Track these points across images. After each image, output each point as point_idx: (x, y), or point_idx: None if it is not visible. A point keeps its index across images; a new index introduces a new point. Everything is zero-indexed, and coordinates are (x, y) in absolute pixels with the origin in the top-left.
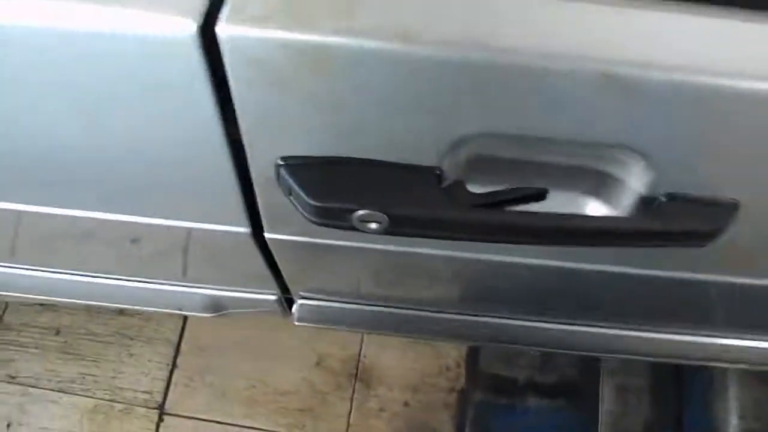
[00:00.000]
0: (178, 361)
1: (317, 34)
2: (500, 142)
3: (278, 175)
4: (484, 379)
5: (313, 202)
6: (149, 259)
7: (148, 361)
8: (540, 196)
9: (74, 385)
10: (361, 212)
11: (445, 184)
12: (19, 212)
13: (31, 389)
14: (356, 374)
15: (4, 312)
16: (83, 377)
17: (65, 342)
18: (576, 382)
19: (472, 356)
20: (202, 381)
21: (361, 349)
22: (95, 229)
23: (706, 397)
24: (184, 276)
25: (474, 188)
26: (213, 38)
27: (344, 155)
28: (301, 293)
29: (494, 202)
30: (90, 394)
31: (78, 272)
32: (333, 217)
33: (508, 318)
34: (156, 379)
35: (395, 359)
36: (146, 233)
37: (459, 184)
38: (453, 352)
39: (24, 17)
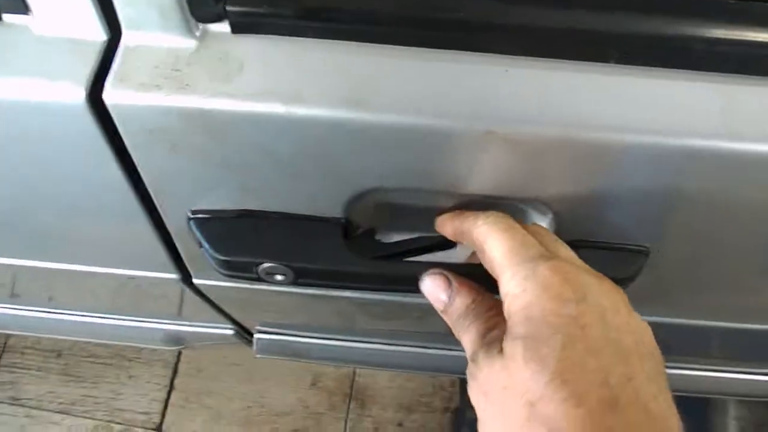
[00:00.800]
0: (176, 382)
1: (201, 98)
2: (403, 194)
3: (189, 227)
4: None
5: (218, 256)
6: (107, 298)
7: (147, 382)
8: (447, 244)
9: (75, 407)
10: (265, 266)
11: (354, 233)
12: None
13: (33, 411)
14: (351, 394)
15: (8, 335)
16: (84, 399)
17: (66, 364)
18: None
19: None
20: (199, 402)
21: (355, 369)
22: (48, 274)
23: (706, 414)
24: (141, 312)
25: (386, 234)
26: (103, 105)
27: (250, 209)
28: (256, 327)
29: (400, 252)
30: (90, 416)
31: (46, 309)
32: (239, 270)
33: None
34: (154, 400)
35: (389, 378)
36: (92, 279)
37: (367, 234)
38: (426, 373)
39: None
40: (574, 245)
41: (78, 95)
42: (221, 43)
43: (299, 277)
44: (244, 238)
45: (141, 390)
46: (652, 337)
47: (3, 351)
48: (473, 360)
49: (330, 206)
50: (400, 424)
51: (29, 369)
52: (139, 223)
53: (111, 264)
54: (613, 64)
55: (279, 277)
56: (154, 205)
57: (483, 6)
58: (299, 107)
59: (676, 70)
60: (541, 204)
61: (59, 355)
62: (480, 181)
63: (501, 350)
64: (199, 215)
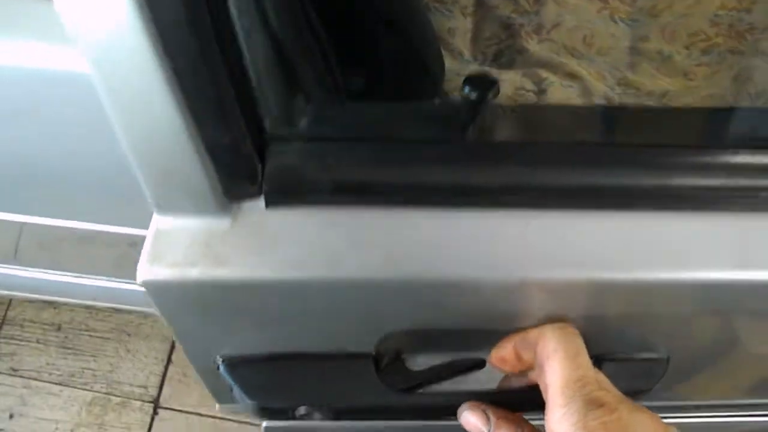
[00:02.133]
0: (173, 357)
1: (237, 272)
2: (431, 333)
3: (219, 370)
4: None
5: (252, 402)
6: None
7: (145, 356)
8: (478, 365)
9: (73, 379)
10: (302, 408)
11: (383, 363)
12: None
13: (32, 382)
14: None
15: (8, 308)
16: (82, 371)
17: (66, 337)
18: None
19: None
20: (195, 376)
21: None
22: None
23: None
24: None
25: (412, 357)
26: None
27: (281, 352)
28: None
29: (432, 379)
30: (88, 388)
31: (79, 274)
32: (276, 414)
33: None
34: (152, 374)
35: None
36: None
37: (397, 363)
38: None
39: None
40: (598, 359)
41: None
42: (255, 218)
43: (337, 416)
44: (276, 381)
45: (139, 364)
46: None
47: (3, 323)
48: None
49: (360, 346)
50: None
51: (29, 341)
52: None
53: None
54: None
55: (317, 415)
56: None
57: (501, 171)
58: (335, 272)
59: (689, 211)
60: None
61: (59, 329)
62: (509, 317)
63: None
64: (229, 360)
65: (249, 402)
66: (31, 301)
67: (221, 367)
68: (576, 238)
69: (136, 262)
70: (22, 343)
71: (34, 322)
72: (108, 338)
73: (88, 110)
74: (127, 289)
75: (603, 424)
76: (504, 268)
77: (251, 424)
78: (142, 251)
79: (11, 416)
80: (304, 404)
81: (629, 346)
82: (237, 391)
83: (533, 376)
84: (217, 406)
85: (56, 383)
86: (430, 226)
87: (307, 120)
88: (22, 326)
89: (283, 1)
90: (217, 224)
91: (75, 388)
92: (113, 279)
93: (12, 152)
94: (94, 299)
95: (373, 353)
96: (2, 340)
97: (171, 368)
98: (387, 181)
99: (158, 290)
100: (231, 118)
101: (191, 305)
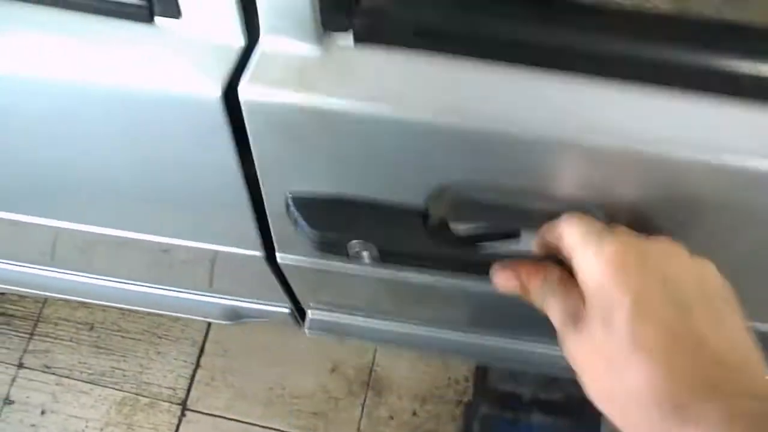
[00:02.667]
0: (202, 360)
1: (321, 98)
2: (480, 191)
3: (287, 207)
4: (491, 394)
5: (313, 232)
6: (177, 270)
7: (174, 359)
8: (512, 234)
9: (104, 378)
10: (354, 242)
11: (430, 222)
12: (60, 228)
13: (64, 379)
14: (368, 382)
15: (43, 306)
16: (113, 371)
17: (98, 337)
18: (579, 400)
19: (481, 371)
20: (223, 381)
21: (374, 359)
22: (130, 243)
23: None
24: (208, 287)
25: (456, 226)
26: (235, 99)
27: (345, 194)
28: (311, 306)
29: (470, 237)
30: (118, 387)
31: (113, 278)
32: (330, 247)
33: (514, 339)
34: (180, 376)
35: (406, 370)
36: (174, 250)
37: (442, 223)
38: (462, 366)
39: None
40: None
41: (215, 91)
42: (344, 52)
43: (383, 257)
44: (337, 218)
45: (168, 366)
46: (716, 272)
47: (38, 321)
48: (562, 331)
49: (414, 196)
50: (414, 413)
51: (62, 339)
52: (239, 204)
53: (202, 239)
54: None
55: (365, 255)
56: (258, 188)
57: (570, 33)
58: (404, 110)
59: (732, 96)
60: (602, 207)
61: (92, 328)
62: (548, 183)
63: (582, 318)
64: (298, 197)
65: (309, 237)
66: (65, 300)
67: (290, 204)
68: (624, 110)
69: (168, 266)
70: (56, 341)
71: (68, 321)
72: (139, 339)
73: (127, 126)
74: (159, 294)
75: (619, 243)
76: (556, 127)
77: (277, 430)
78: (245, 72)
79: (43, 412)
80: (357, 239)
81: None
82: (300, 226)
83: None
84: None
85: (87, 381)
86: (496, 81)
87: None
88: (56, 324)
89: None
90: (311, 52)
91: (105, 387)
92: (146, 284)
93: (51, 161)
94: (127, 303)
95: (423, 209)
96: (37, 338)
97: (199, 372)
98: (463, 30)
99: (254, 108)
100: None
101: (277, 127)
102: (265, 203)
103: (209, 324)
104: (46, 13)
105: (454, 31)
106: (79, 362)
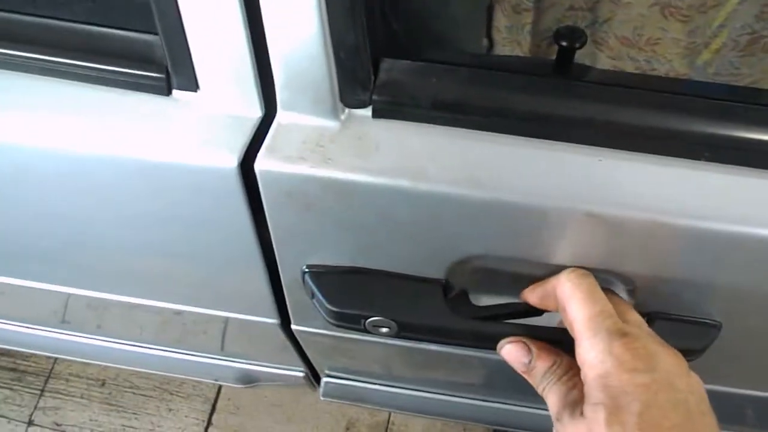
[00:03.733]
0: (214, 418)
1: (340, 171)
2: (501, 261)
3: (303, 279)
4: None
5: (330, 308)
6: (190, 333)
7: (185, 416)
8: (534, 312)
9: None
10: (372, 319)
11: (451, 294)
12: (75, 295)
13: None
14: None
15: (55, 362)
16: (124, 429)
17: (109, 393)
18: None
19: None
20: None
21: (389, 417)
22: (145, 308)
23: None
24: (220, 350)
25: (477, 297)
26: (251, 171)
27: (362, 266)
28: (326, 372)
29: (492, 315)
30: None
31: (124, 340)
32: (348, 321)
33: (531, 405)
34: None
35: (423, 428)
36: (188, 316)
37: (462, 295)
38: (480, 426)
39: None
40: (652, 316)
41: (231, 162)
42: (361, 125)
43: (402, 331)
44: (355, 292)
45: (180, 423)
46: (705, 394)
47: (49, 377)
48: (558, 419)
49: (434, 268)
50: None
51: (73, 396)
52: (255, 273)
53: (215, 306)
54: (701, 162)
55: (383, 330)
56: (273, 257)
57: (584, 106)
58: (423, 183)
59: (756, 169)
60: (625, 276)
61: (103, 384)
62: (572, 253)
63: (582, 413)
64: (315, 269)
65: (325, 312)
66: None
67: (306, 276)
68: (645, 181)
69: (181, 330)
70: (67, 398)
71: (80, 377)
72: (151, 396)
73: (145, 196)
74: (171, 357)
75: (629, 349)
76: (574, 199)
77: None
78: (263, 145)
79: None
80: (376, 315)
81: (682, 307)
82: (317, 299)
83: (559, 320)
84: None
85: None
86: (513, 153)
87: (420, 40)
88: (67, 380)
89: None
90: (329, 126)
91: None
92: (158, 347)
93: (68, 231)
94: (139, 365)
95: (443, 280)
96: (48, 395)
97: (211, 430)
98: (481, 105)
99: (270, 180)
100: (358, 22)
101: (293, 200)
102: (280, 274)
103: None
104: (69, 87)
105: (470, 105)
106: (90, 420)
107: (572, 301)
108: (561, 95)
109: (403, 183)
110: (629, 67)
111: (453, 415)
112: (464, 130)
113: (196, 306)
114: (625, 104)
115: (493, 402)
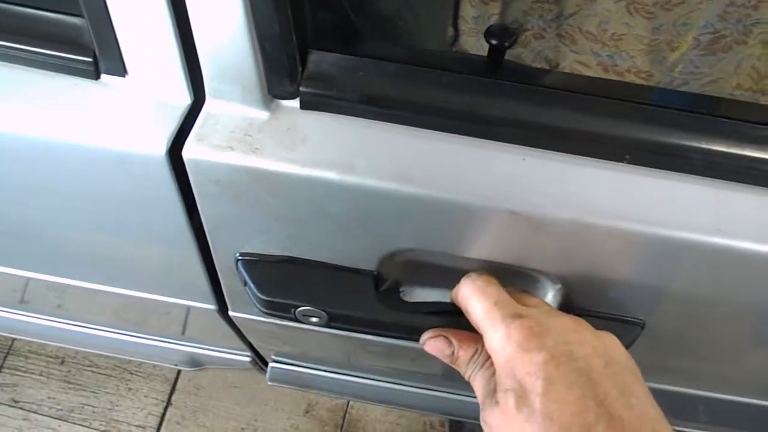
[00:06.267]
0: (173, 398)
1: (267, 161)
2: (431, 255)
3: (237, 267)
4: None
5: (261, 296)
6: (138, 319)
7: (145, 396)
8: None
9: (73, 414)
10: (302, 308)
11: (382, 286)
12: (31, 278)
13: (32, 415)
14: (342, 425)
15: (14, 339)
16: (82, 407)
17: (68, 372)
18: None
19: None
20: (194, 420)
21: (348, 401)
22: (93, 294)
23: None
24: (171, 334)
25: (410, 289)
26: (180, 158)
27: (294, 256)
28: (273, 357)
29: (422, 304)
30: (87, 424)
31: (83, 323)
32: (278, 310)
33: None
34: (151, 414)
35: (381, 414)
36: (138, 302)
37: (394, 288)
38: (430, 414)
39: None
40: (577, 314)
41: (159, 149)
42: (290, 117)
43: (332, 321)
44: (286, 281)
45: (139, 403)
46: (622, 350)
47: (8, 354)
48: (482, 407)
49: (365, 260)
50: None
51: (32, 373)
52: (190, 259)
53: (153, 291)
54: (623, 164)
55: (314, 319)
56: (207, 244)
57: (509, 105)
58: (351, 176)
59: (676, 173)
60: (551, 275)
61: (62, 362)
62: (498, 251)
63: (497, 401)
64: (247, 257)
65: (257, 299)
66: None
67: (239, 263)
68: (569, 181)
69: (140, 310)
70: (25, 375)
71: (39, 355)
72: (110, 375)
73: (76, 181)
74: (125, 340)
75: (524, 329)
76: (496, 198)
77: None
78: (190, 133)
79: None
80: (305, 305)
81: (608, 305)
82: (249, 287)
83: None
84: None
85: (55, 417)
86: (441, 149)
87: (346, 34)
88: (26, 358)
89: None
90: (257, 116)
91: (74, 423)
92: (116, 329)
93: (27, 217)
94: (95, 348)
95: (375, 272)
96: (6, 371)
97: (170, 410)
98: (408, 100)
99: (198, 168)
100: (283, 12)
101: (224, 188)
102: (214, 261)
103: None
104: None
105: (397, 100)
106: (48, 397)
107: (471, 299)
108: (487, 94)
109: (331, 176)
110: (592, 62)
111: (402, 403)
112: (393, 125)
113: (140, 291)
114: (549, 105)
115: (441, 392)
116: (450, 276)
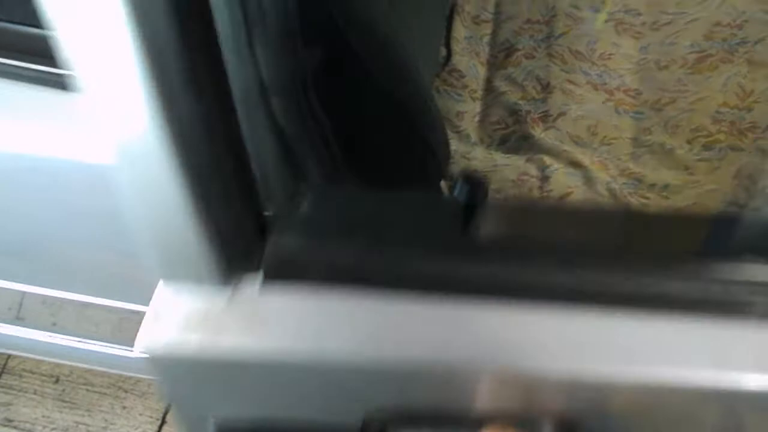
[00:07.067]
0: (168, 417)
1: (230, 348)
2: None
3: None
4: None
5: None
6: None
7: (140, 414)
8: None
9: None
10: None
11: None
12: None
13: None
14: None
15: (8, 357)
16: (77, 425)
17: (63, 390)
18: None
19: None
20: None
21: None
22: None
23: None
24: None
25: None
26: None
27: (272, 417)
28: None
29: None
30: None
31: (80, 338)
32: None
33: None
34: None
35: None
36: (130, 315)
37: None
38: None
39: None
40: None
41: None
42: (252, 292)
43: None
44: None
45: (133, 422)
46: None
47: (2, 373)
48: None
49: (349, 416)
50: None
51: (26, 392)
52: None
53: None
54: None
55: None
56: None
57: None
58: (321, 351)
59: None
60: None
61: (57, 381)
62: (483, 402)
63: None
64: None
65: None
66: None
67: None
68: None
69: (136, 326)
70: (20, 393)
71: (33, 373)
72: (105, 393)
73: (96, 199)
74: (125, 356)
75: None
76: (479, 357)
77: None
78: (145, 317)
79: None
80: None
81: None
82: None
83: None
84: None
85: None
86: (404, 312)
87: (307, 205)
88: (20, 376)
89: (286, 89)
90: (217, 296)
91: None
92: (112, 345)
93: (24, 231)
94: (93, 363)
95: (360, 423)
96: (0, 390)
97: (165, 428)
98: (378, 269)
99: (157, 355)
100: (234, 204)
101: (189, 371)
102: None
103: None
104: None
105: (363, 269)
106: (43, 416)
107: None
108: (460, 255)
109: (303, 353)
110: (581, 81)
111: None
112: (362, 293)
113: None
114: (520, 262)
115: None
116: (442, 421)
